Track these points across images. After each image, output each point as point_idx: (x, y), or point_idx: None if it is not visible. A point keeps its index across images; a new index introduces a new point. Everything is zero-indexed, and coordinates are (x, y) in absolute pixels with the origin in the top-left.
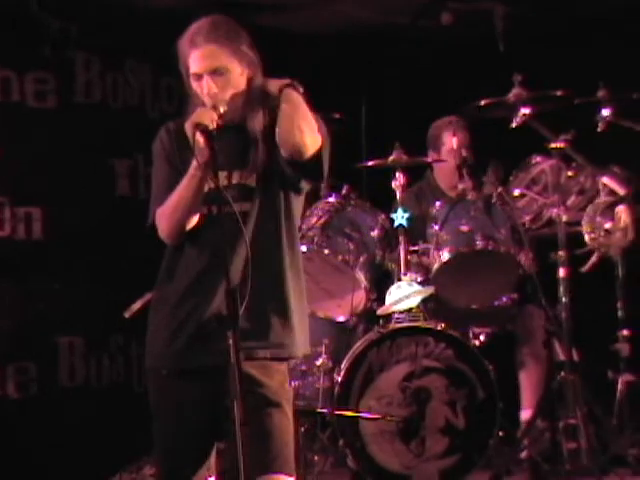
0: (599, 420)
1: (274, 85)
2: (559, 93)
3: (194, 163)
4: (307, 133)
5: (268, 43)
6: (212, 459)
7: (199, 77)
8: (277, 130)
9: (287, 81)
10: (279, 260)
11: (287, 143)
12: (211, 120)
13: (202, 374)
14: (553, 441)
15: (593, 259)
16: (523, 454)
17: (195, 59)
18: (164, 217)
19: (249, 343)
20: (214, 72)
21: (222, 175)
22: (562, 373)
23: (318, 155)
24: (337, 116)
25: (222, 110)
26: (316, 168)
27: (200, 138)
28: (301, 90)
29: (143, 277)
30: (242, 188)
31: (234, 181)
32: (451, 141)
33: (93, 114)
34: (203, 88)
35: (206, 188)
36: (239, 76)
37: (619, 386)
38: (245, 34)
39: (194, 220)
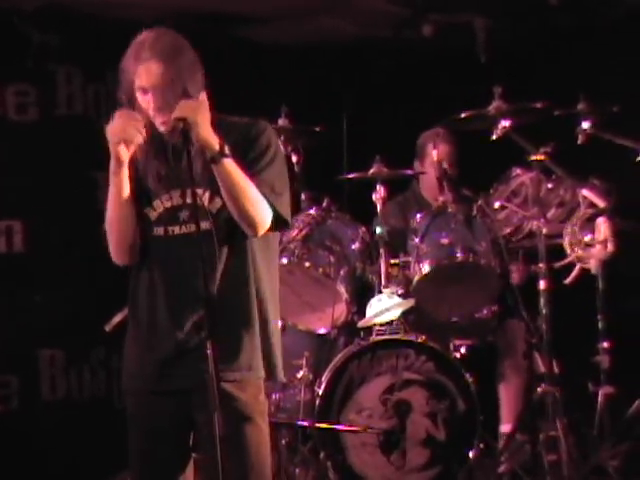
0: (580, 432)
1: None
2: (539, 105)
3: (111, 167)
4: (254, 214)
5: (250, 55)
6: (190, 471)
7: (145, 91)
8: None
9: (215, 150)
10: (245, 279)
11: (242, 225)
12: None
13: (177, 392)
14: (534, 453)
15: (576, 271)
16: (503, 467)
17: (142, 73)
18: (109, 238)
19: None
20: (158, 88)
21: (176, 194)
22: (542, 385)
23: (276, 213)
24: (318, 129)
25: (162, 127)
26: (279, 221)
27: (122, 149)
28: (229, 154)
29: (124, 290)
30: (198, 207)
31: (188, 200)
32: (432, 153)
33: (75, 126)
34: (148, 103)
35: (162, 208)
36: (180, 92)
37: (599, 398)
38: (189, 48)
39: (135, 239)
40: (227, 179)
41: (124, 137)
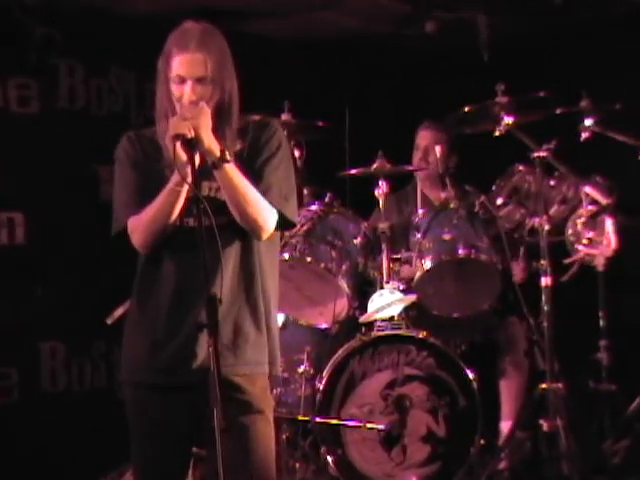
0: (580, 429)
1: (212, 151)
2: (542, 94)
3: (174, 178)
4: (256, 219)
5: (253, 50)
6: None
7: (182, 81)
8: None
9: (216, 156)
10: (254, 275)
11: (246, 227)
12: (188, 129)
13: (185, 387)
14: (534, 450)
15: (573, 269)
16: (504, 463)
17: (183, 63)
18: (140, 229)
19: (227, 360)
20: (198, 80)
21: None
22: (543, 382)
23: (281, 214)
24: (321, 124)
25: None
26: (286, 223)
27: (181, 151)
28: (230, 160)
29: (125, 283)
30: (213, 201)
31: (204, 193)
32: (420, 143)
33: (76, 120)
34: (184, 93)
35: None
36: (217, 89)
37: (600, 395)
38: (228, 48)
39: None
40: (228, 184)
41: (176, 134)
